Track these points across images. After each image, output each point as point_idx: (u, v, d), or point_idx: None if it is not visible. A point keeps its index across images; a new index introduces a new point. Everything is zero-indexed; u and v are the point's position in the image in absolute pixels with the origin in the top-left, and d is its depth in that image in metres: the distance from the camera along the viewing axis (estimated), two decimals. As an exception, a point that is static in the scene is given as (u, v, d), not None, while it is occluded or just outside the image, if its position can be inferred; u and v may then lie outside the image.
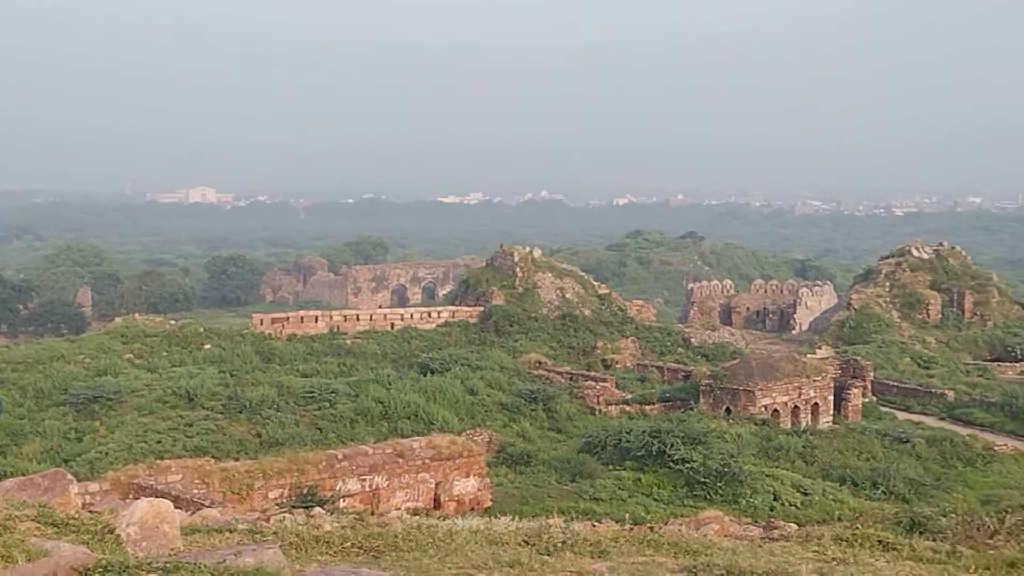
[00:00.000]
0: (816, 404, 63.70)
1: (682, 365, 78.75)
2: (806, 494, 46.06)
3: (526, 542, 12.03)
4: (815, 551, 12.01)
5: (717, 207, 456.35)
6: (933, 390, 73.63)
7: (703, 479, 46.32)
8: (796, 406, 62.64)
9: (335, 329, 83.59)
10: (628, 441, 50.19)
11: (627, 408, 64.15)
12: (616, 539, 12.23)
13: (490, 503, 38.68)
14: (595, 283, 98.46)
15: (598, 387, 67.43)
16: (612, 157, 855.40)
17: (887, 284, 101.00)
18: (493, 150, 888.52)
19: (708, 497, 44.97)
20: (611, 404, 64.73)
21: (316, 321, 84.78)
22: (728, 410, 61.47)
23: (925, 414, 69.69)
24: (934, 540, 13.52)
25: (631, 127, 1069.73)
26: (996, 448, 57.72)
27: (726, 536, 13.60)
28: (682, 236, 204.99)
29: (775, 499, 45.29)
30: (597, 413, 62.79)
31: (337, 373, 70.12)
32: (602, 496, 44.83)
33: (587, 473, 48.49)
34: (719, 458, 46.96)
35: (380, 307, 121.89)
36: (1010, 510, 25.86)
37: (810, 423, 62.24)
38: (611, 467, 49.49)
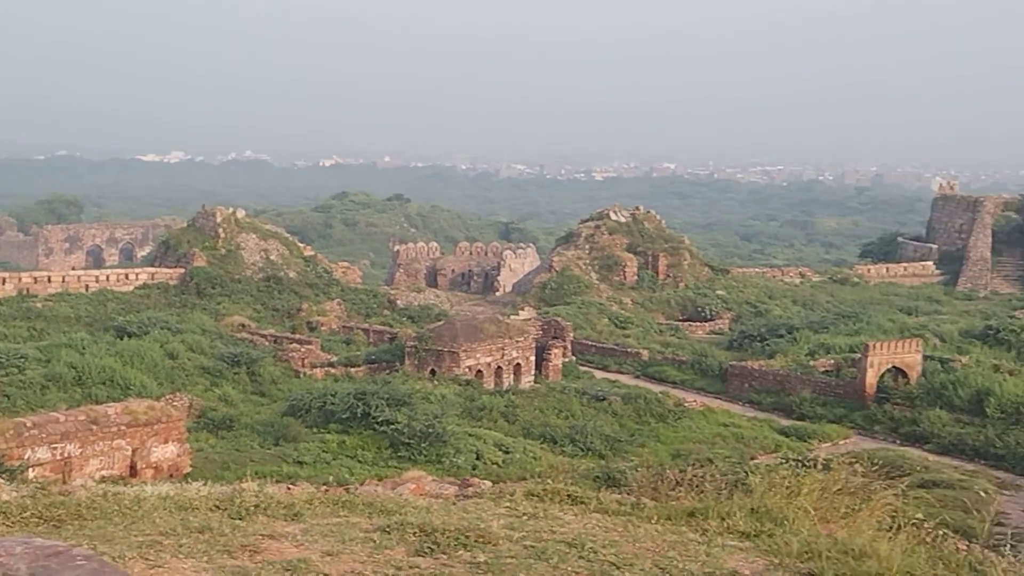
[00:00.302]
0: (519, 364, 65.18)
1: (388, 327, 79.05)
2: (507, 452, 47.10)
3: (217, 507, 11.81)
4: (507, 507, 12.28)
5: (423, 170, 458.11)
6: (629, 349, 76.46)
7: (407, 440, 46.71)
8: (499, 366, 63.92)
9: (24, 292, 79.85)
10: (333, 403, 50.07)
11: (332, 371, 63.95)
12: (310, 501, 12.16)
13: (190, 469, 37.85)
14: (300, 245, 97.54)
15: (303, 350, 66.97)
16: (320, 115, 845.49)
17: (587, 247, 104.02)
18: (194, 107, 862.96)
19: (412, 458, 45.37)
20: (316, 367, 64.39)
21: (3, 283, 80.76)
22: (433, 371, 62.13)
23: (621, 372, 72.29)
24: (622, 493, 14.07)
25: (335, 85, 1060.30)
26: (686, 404, 60.43)
27: (422, 495, 13.73)
28: (389, 198, 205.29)
29: (478, 458, 46.11)
30: (302, 376, 62.33)
31: (27, 338, 67.09)
32: (306, 459, 44.58)
33: (291, 436, 48.10)
34: (423, 419, 47.44)
35: (73, 269, 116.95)
36: (697, 463, 27.20)
37: (513, 383, 63.62)
38: (316, 430, 49.25)
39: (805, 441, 54.33)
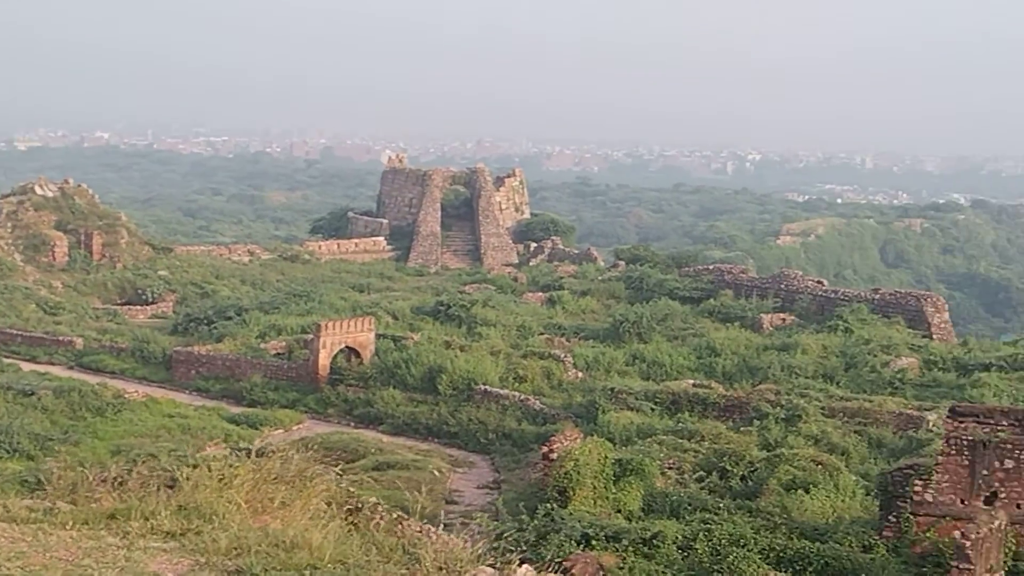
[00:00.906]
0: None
1: None
2: (-85, 461, 44.28)
3: None
4: None
5: None
6: (61, 338, 73.91)
7: None
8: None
9: None
10: None
11: None
12: None
13: None
14: None
15: None
16: None
17: (9, 225, 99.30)
18: None
19: None
20: None
21: None
22: None
23: (53, 364, 69.77)
24: (35, 498, 13.55)
25: None
26: (127, 395, 59.24)
27: None
28: None
29: None
30: None
31: None
32: None
33: None
34: None
35: None
36: (139, 459, 26.70)
37: (-78, 381, 59.80)
38: None
39: (256, 429, 54.95)
